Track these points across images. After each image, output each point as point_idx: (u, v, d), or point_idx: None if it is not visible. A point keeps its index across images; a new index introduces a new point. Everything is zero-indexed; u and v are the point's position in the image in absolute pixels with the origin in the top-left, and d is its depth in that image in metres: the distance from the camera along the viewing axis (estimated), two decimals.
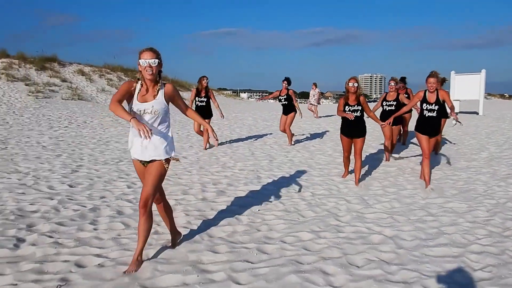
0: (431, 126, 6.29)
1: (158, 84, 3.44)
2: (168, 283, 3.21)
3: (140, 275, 3.31)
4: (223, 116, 10.01)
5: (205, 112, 9.42)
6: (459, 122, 6.19)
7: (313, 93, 18.68)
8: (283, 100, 10.19)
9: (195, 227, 4.45)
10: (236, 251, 3.85)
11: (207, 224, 4.55)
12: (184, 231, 4.29)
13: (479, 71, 21.10)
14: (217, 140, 3.87)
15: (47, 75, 23.35)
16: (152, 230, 4.29)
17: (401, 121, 8.68)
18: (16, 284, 3.11)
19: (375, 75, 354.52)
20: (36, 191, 5.64)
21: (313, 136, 12.14)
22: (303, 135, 12.52)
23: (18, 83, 20.90)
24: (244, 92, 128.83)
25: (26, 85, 20.83)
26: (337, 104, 7.97)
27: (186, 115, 3.73)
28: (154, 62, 3.30)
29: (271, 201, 5.48)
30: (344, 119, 6.55)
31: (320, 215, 4.97)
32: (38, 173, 6.61)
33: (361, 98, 6.39)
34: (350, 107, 6.42)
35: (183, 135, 11.77)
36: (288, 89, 10.16)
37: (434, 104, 6.20)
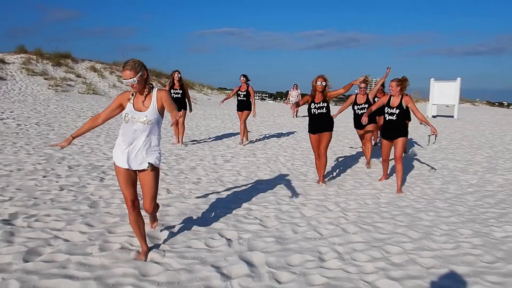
0: (390, 129, 6.45)
1: (151, 92, 3.48)
2: (200, 197, 5.58)
3: (181, 194, 5.66)
4: (191, 110, 10.07)
5: (179, 103, 9.60)
6: (433, 135, 6.12)
7: (296, 93, 20.70)
8: (242, 96, 10.35)
9: (211, 177, 6.81)
10: (238, 186, 6.25)
11: (219, 175, 6.94)
12: (204, 178, 6.66)
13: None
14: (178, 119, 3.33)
15: (63, 71, 25.42)
16: (186, 182, 6.63)
17: (373, 120, 8.30)
18: (112, 196, 5.43)
19: (374, 79, 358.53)
20: (96, 155, 7.97)
21: (302, 130, 14.50)
22: (293, 129, 14.88)
23: (38, 77, 23.01)
24: None
25: (45, 79, 22.96)
26: (335, 106, 8.98)
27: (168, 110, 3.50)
28: (134, 81, 3.31)
29: (261, 167, 7.83)
30: (310, 118, 6.58)
31: (294, 174, 7.34)
32: (90, 146, 8.93)
33: (329, 96, 6.42)
34: (316, 104, 6.44)
35: (192, 125, 14.11)
36: (248, 85, 10.42)
37: (395, 108, 6.34)
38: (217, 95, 34.63)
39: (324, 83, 6.33)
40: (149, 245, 3.85)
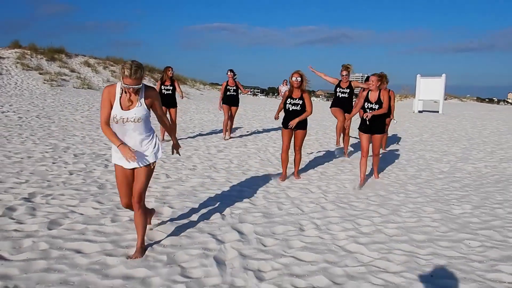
0: (371, 123, 6.50)
1: (140, 90, 3.44)
2: (196, 181, 6.21)
3: (179, 179, 6.28)
4: (182, 96, 10.39)
5: (170, 100, 9.73)
6: (366, 117, 6.45)
7: (286, 89, 21.36)
8: (232, 91, 10.49)
9: (206, 164, 7.45)
10: (230, 172, 6.90)
11: (212, 163, 7.59)
12: (199, 166, 7.29)
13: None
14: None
15: (57, 65, 25.77)
16: (184, 162, 7.26)
17: (351, 109, 8.23)
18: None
19: (366, 75, 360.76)
20: (98, 145, 8.55)
21: None
22: None
23: (32, 72, 23.35)
24: None
25: (40, 74, 23.32)
26: (327, 102, 9.31)
27: (159, 121, 3.82)
28: (138, 88, 3.34)
29: (252, 156, 8.48)
30: (286, 113, 6.57)
31: None
32: (91, 137, 9.50)
33: (305, 94, 6.45)
34: (292, 100, 6.47)
35: (186, 119, 14.71)
36: (235, 80, 10.56)
37: (374, 104, 6.46)
38: (209, 90, 35.15)
39: (299, 79, 6.36)
40: (152, 218, 4.48)
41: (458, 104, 42.13)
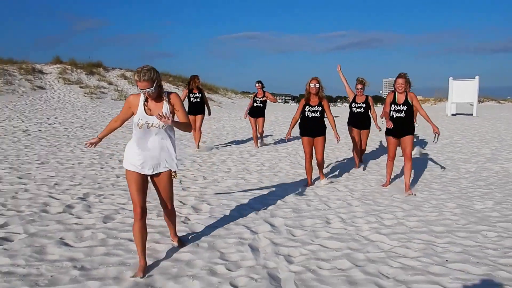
0: (400, 126, 6.28)
1: (163, 96, 3.50)
2: (231, 182, 6.71)
3: (216, 180, 6.80)
4: (210, 114, 10.29)
5: (199, 107, 9.79)
6: (436, 134, 6.21)
7: None
8: (258, 102, 10.62)
9: (239, 167, 7.97)
10: (262, 174, 7.40)
11: (245, 166, 8.12)
12: (233, 168, 7.81)
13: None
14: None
15: (96, 79, 27.07)
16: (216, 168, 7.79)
17: (369, 125, 8.30)
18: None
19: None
20: None
21: None
22: None
23: (73, 85, 24.66)
24: None
25: (81, 87, 24.60)
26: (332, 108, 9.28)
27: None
28: (151, 90, 3.31)
29: (283, 159, 8.93)
30: (303, 120, 6.56)
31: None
32: None
33: (324, 101, 6.45)
34: (311, 107, 6.44)
35: (219, 126, 15.34)
36: (264, 91, 10.68)
37: (402, 105, 6.24)
38: (240, 98, 35.85)
39: (318, 85, 6.33)
40: (192, 213, 5.00)
41: (495, 106, 41.08)
